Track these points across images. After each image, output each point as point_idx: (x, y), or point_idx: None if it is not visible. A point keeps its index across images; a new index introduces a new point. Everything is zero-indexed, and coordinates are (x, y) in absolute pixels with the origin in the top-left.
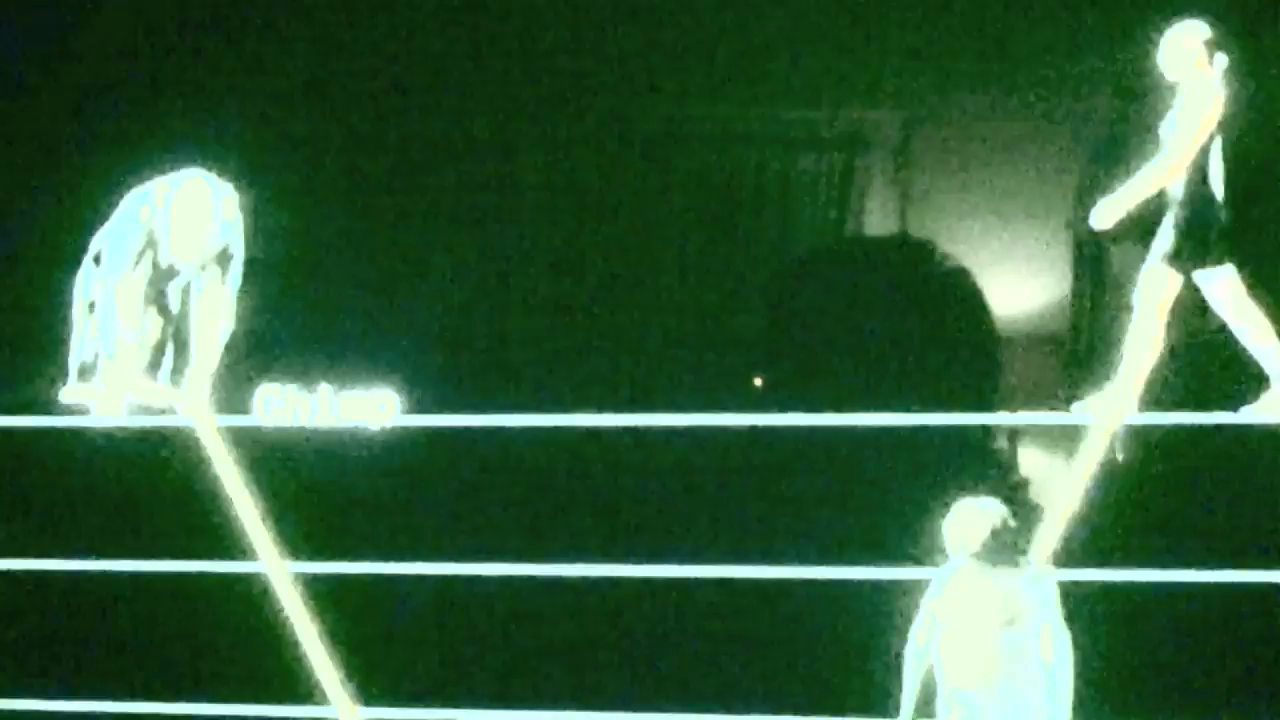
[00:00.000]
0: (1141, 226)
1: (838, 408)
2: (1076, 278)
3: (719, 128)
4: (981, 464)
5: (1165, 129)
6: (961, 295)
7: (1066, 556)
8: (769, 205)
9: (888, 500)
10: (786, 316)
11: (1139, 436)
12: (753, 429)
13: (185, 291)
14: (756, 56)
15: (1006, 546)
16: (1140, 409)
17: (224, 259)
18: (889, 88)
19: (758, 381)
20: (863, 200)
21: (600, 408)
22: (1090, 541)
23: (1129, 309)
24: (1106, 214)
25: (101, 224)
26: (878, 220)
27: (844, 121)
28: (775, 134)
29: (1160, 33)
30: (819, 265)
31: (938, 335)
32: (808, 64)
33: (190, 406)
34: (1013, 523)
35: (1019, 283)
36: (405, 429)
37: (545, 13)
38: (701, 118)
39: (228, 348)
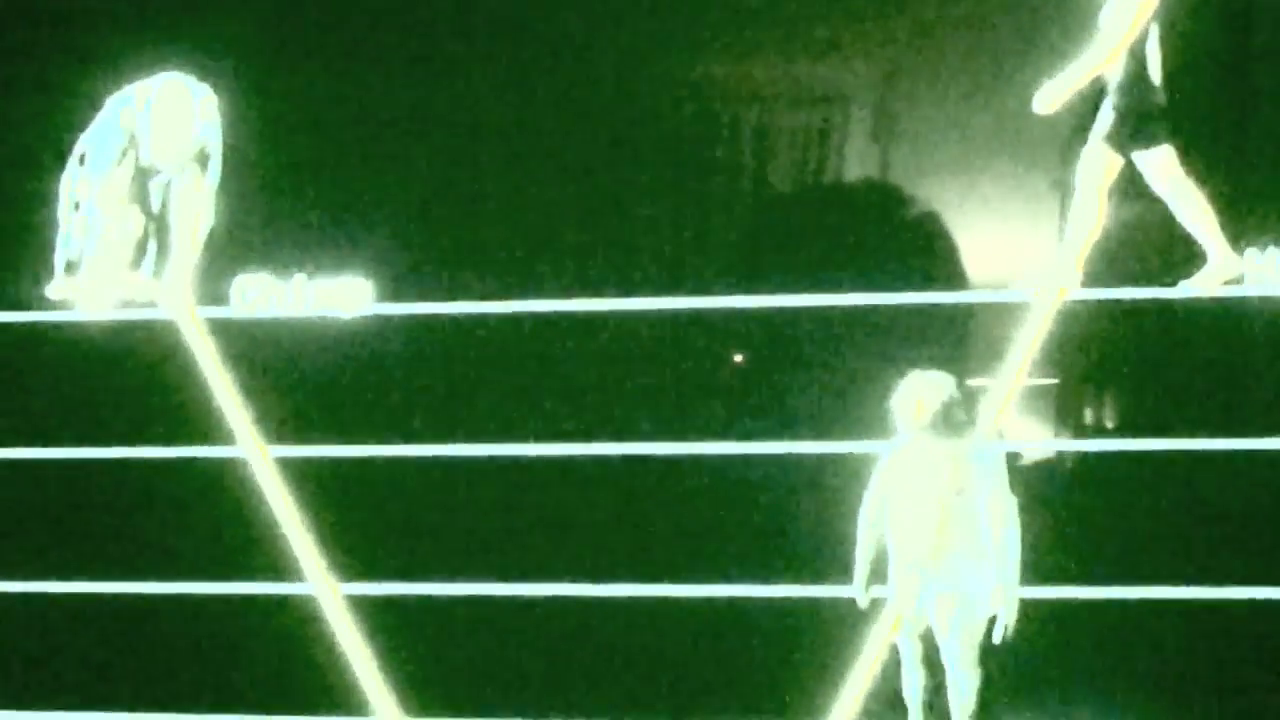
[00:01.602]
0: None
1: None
2: (1061, 230)
3: (698, 81)
4: (928, 341)
5: (1104, 14)
6: (940, 243)
7: (1010, 429)
8: (745, 158)
9: (839, 377)
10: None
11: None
12: (701, 315)
13: (166, 190)
14: (734, 9)
15: (955, 418)
16: (1081, 284)
17: (202, 158)
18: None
19: (738, 358)
20: (841, 153)
21: (576, 294)
22: (1032, 414)
23: None
24: (1047, 98)
25: (85, 127)
26: (855, 170)
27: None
28: (752, 89)
29: None
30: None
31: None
32: (784, 17)
33: (171, 299)
34: (960, 395)
35: (1000, 235)
36: (381, 316)
37: None
38: (678, 70)
39: (207, 241)
